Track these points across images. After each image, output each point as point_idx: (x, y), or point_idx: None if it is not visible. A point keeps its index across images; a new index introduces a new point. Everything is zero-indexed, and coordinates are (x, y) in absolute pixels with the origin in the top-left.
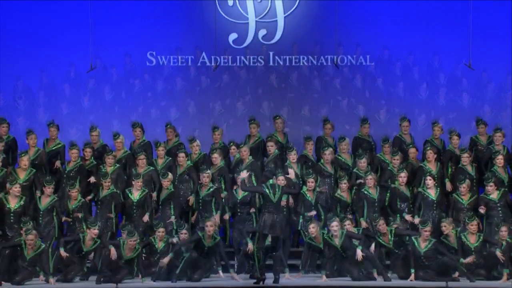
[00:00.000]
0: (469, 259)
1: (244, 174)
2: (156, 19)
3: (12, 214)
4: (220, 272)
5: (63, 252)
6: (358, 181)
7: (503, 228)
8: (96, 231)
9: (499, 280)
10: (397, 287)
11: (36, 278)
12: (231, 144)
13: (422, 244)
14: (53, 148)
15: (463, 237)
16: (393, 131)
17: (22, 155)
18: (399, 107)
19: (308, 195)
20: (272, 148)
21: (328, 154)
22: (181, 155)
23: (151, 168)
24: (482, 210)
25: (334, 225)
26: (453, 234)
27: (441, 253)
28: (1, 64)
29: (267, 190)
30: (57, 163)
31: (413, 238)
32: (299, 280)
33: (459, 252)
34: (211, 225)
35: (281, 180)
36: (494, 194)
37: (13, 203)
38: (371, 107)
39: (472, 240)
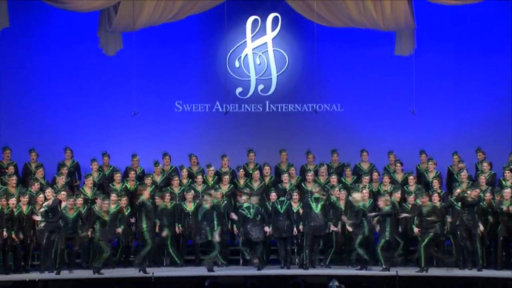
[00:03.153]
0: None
1: (234, 216)
2: (182, 77)
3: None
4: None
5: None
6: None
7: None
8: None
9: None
10: (357, 275)
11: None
12: (239, 168)
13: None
14: (109, 171)
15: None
16: (356, 160)
17: (88, 177)
18: (362, 142)
19: (293, 205)
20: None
21: (310, 176)
22: (199, 177)
23: (183, 187)
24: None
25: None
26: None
27: None
28: (65, 112)
29: (277, 206)
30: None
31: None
32: (292, 271)
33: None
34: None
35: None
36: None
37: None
38: (341, 142)
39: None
